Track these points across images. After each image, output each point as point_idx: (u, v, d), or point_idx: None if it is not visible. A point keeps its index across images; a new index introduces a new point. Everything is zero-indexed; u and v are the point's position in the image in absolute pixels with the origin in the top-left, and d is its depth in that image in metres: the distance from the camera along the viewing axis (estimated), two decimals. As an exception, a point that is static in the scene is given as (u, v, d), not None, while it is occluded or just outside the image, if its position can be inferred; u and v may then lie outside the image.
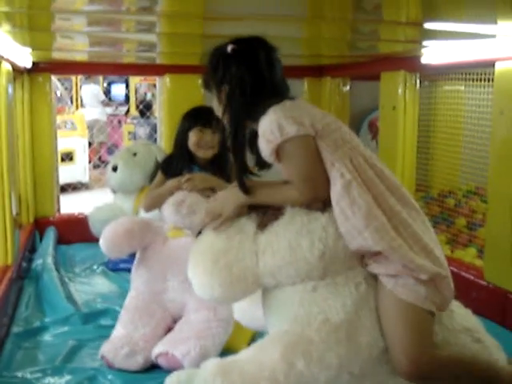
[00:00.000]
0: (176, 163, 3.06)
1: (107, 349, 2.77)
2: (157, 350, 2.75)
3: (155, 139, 6.29)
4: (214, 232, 1.94)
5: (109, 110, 10.90)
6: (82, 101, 10.74)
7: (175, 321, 2.99)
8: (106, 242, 2.97)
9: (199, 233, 1.98)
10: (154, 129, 7.84)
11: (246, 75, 1.92)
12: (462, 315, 1.98)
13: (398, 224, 1.80)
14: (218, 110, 2.02)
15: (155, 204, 2.91)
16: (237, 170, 1.99)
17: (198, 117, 3.05)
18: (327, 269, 1.84)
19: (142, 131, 9.46)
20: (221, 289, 1.84)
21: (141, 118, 9.61)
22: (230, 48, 1.96)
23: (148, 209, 3.03)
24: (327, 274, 1.85)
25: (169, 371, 2.61)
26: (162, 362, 2.72)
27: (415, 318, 1.79)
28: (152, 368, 2.77)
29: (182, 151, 3.05)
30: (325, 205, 1.88)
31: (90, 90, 10.59)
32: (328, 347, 1.75)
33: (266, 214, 1.94)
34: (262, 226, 1.91)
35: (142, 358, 2.76)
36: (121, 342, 2.78)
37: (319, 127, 1.83)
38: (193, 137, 2.99)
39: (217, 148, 3.03)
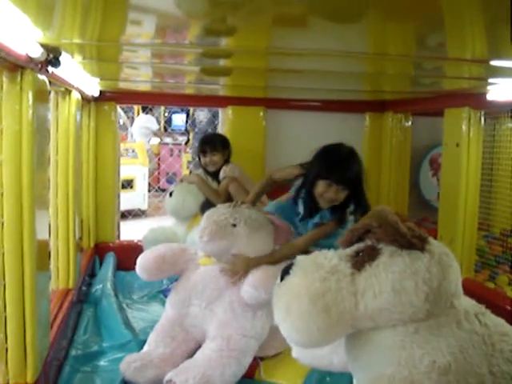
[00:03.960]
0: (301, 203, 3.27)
1: (124, 362, 2.87)
2: (168, 375, 2.76)
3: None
4: (305, 272, 1.83)
5: (169, 139, 11.06)
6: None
7: (200, 345, 3.02)
8: (139, 265, 3.13)
9: (285, 272, 1.86)
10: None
11: None
12: None
13: None
14: None
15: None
16: None
17: (333, 170, 3.02)
18: (430, 311, 1.77)
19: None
20: (318, 333, 1.74)
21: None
22: None
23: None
24: (430, 315, 1.78)
25: None
26: None
27: None
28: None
29: (307, 194, 3.17)
30: (423, 243, 1.83)
31: (139, 123, 10.56)
32: None
33: (359, 252, 1.87)
34: (358, 265, 1.82)
35: (153, 373, 2.82)
36: (136, 357, 2.88)
37: None
38: (320, 187, 3.04)
39: (338, 202, 3.07)
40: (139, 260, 3.13)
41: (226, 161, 4.53)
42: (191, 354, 2.96)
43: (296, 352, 2.16)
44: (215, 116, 10.74)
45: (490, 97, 3.71)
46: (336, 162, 3.03)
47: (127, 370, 2.81)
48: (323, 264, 1.83)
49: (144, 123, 10.61)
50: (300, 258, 1.90)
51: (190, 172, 4.88)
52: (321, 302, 1.73)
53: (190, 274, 3.13)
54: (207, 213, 3.20)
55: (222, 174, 4.45)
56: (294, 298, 1.77)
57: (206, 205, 4.13)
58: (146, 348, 3.00)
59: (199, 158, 4.54)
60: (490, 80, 3.30)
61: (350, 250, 1.87)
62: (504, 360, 1.76)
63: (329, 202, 3.05)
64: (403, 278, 1.75)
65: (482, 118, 4.07)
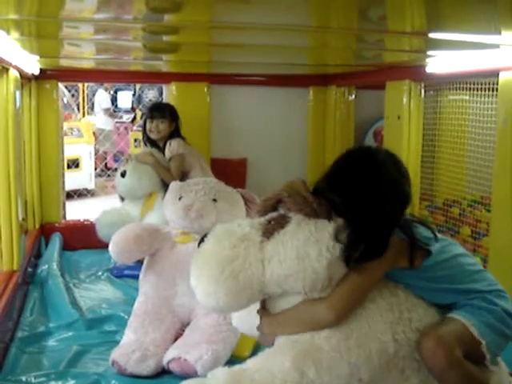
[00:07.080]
0: None
1: (118, 354, 2.75)
2: (169, 355, 2.73)
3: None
4: (217, 240, 1.90)
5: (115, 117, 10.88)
6: (92, 107, 10.71)
7: (184, 326, 2.98)
8: (117, 247, 2.98)
9: (201, 241, 1.93)
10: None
11: None
12: None
13: None
14: None
15: None
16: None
17: None
18: (332, 278, 1.82)
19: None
20: (226, 298, 1.81)
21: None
22: None
23: None
24: (332, 282, 1.84)
25: (180, 377, 2.59)
26: (174, 367, 2.70)
27: None
28: (158, 374, 2.75)
29: None
30: (330, 213, 1.87)
31: (97, 97, 10.50)
32: (338, 355, 1.74)
33: (271, 221, 1.92)
34: (267, 233, 1.88)
35: (154, 362, 2.74)
36: (132, 347, 2.77)
37: None
38: None
39: None
40: (116, 241, 2.98)
41: (173, 134, 4.49)
42: (178, 336, 2.91)
43: (235, 321, 2.20)
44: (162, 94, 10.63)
45: (429, 69, 3.78)
46: None
47: (127, 363, 2.70)
48: (235, 232, 1.89)
49: (100, 97, 10.39)
50: (216, 226, 1.96)
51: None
52: (229, 268, 1.80)
53: (168, 253, 3.03)
54: (177, 188, 3.07)
55: (167, 153, 4.39)
56: (205, 264, 1.84)
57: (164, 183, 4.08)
58: (131, 335, 2.87)
59: (144, 127, 4.53)
60: (429, 52, 3.36)
61: (263, 219, 1.94)
62: (411, 329, 1.84)
63: None
64: (307, 245, 1.80)
65: (423, 91, 4.14)
